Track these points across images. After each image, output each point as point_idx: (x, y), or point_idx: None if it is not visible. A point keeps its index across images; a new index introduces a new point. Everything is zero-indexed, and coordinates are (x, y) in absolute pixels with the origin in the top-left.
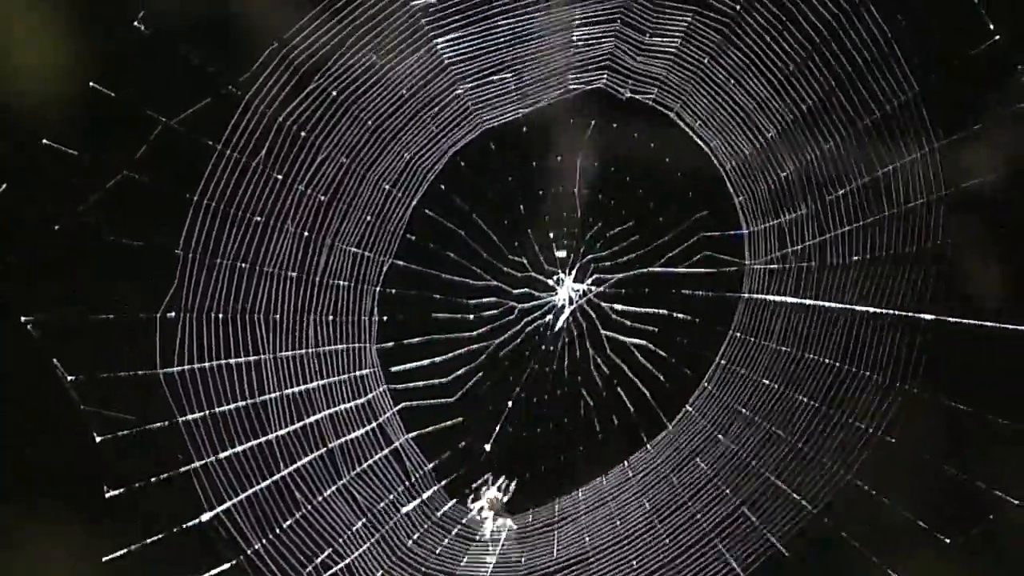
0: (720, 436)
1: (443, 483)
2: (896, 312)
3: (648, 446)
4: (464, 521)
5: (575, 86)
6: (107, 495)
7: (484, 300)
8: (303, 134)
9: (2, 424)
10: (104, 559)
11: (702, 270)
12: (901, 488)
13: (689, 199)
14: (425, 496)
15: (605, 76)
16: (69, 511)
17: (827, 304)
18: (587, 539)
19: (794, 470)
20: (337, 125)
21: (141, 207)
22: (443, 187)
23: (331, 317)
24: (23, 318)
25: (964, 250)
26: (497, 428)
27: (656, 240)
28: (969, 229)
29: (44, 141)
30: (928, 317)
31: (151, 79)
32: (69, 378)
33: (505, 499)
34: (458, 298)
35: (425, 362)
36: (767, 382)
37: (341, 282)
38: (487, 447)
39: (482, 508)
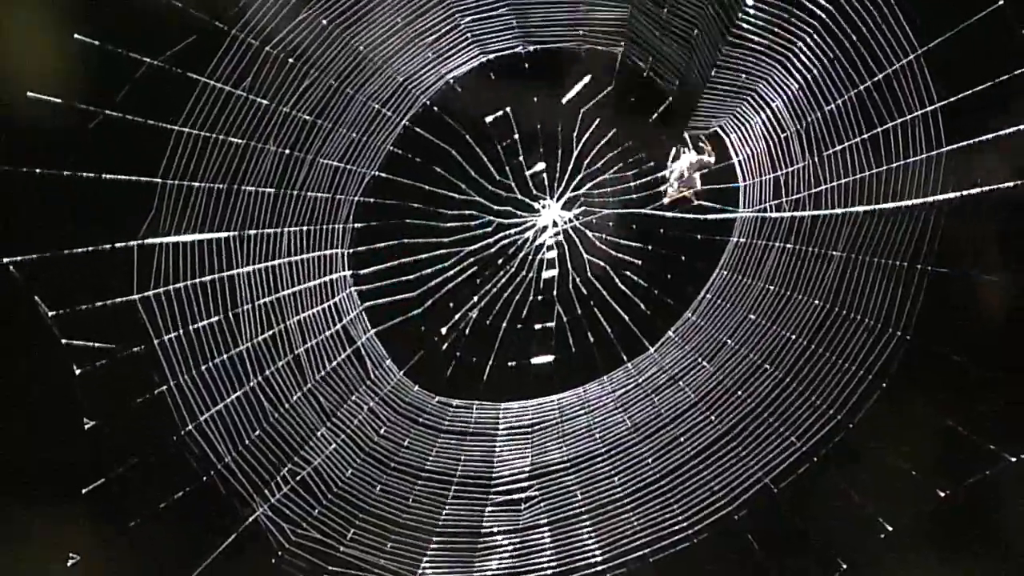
0: (705, 363)
1: (402, 372)
2: (889, 261)
3: (629, 365)
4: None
5: (590, 46)
6: (86, 427)
7: (464, 212)
8: (291, 60)
9: None
10: (84, 491)
11: (692, 216)
12: (893, 433)
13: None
14: (387, 389)
15: (623, 45)
16: (50, 447)
17: (818, 250)
18: (564, 449)
19: (782, 405)
20: (327, 52)
21: (125, 142)
22: (436, 109)
23: (305, 227)
24: (4, 259)
25: (961, 206)
26: (456, 316)
27: (649, 187)
28: (967, 186)
29: (29, 93)
30: (922, 267)
31: (136, 21)
32: (51, 313)
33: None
34: (438, 209)
35: (393, 263)
36: (753, 317)
37: (320, 194)
38: (443, 331)
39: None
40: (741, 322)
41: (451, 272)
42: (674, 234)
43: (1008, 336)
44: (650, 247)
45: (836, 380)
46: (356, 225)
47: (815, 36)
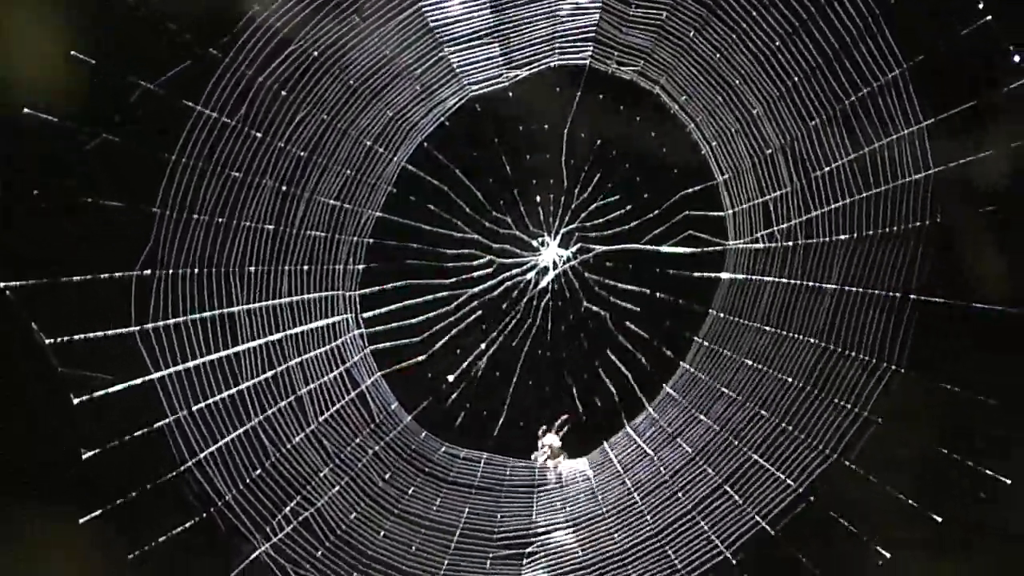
0: (701, 416)
1: (411, 417)
2: (883, 292)
3: (628, 427)
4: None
5: (561, 61)
6: (83, 457)
7: (463, 251)
8: (283, 93)
9: None
10: (80, 521)
11: (685, 249)
12: (889, 467)
13: (674, 176)
14: (393, 434)
15: (592, 48)
16: (47, 477)
17: (812, 284)
18: (566, 510)
19: (778, 449)
20: (318, 84)
21: (119, 169)
22: (426, 144)
23: (306, 267)
24: (0, 284)
25: (952, 229)
26: (464, 364)
27: (641, 216)
28: (958, 208)
29: (25, 109)
30: (916, 297)
31: (130, 47)
32: (47, 341)
33: (558, 443)
34: (438, 248)
35: (396, 306)
36: (750, 362)
37: (318, 233)
38: (450, 378)
39: (546, 456)
40: (738, 368)
41: (456, 316)
42: (671, 271)
43: (1000, 361)
44: (646, 290)
45: (831, 419)
46: (359, 267)
47: (795, 39)
